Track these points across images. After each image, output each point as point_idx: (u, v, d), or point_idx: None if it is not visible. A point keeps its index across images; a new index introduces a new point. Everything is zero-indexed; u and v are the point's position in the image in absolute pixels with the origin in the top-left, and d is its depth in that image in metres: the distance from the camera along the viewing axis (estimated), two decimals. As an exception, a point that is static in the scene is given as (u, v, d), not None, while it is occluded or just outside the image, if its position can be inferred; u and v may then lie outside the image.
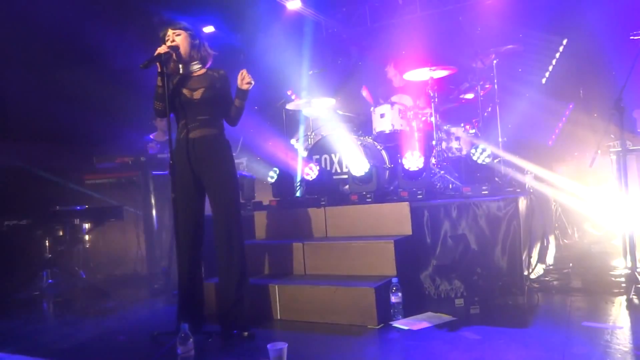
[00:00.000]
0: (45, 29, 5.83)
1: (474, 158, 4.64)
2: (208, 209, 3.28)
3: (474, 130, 5.33)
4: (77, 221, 5.29)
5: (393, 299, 3.33)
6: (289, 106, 5.90)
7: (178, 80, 3.19)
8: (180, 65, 3.21)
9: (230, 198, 3.18)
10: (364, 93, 6.16)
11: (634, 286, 3.35)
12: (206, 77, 3.22)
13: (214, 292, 3.63)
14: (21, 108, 5.91)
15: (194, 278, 3.20)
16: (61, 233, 6.01)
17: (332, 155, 5.17)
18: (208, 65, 3.31)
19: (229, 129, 3.38)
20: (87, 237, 6.22)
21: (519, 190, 4.48)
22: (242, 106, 3.28)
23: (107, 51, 6.31)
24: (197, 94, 3.15)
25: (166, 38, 3.16)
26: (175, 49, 3.11)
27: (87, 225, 5.62)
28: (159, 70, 3.01)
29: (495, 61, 5.27)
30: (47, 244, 5.90)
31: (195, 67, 3.23)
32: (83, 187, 5.86)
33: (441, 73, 5.20)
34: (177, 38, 3.14)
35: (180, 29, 3.16)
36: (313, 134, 5.78)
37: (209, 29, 7.63)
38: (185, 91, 3.15)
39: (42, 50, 6.04)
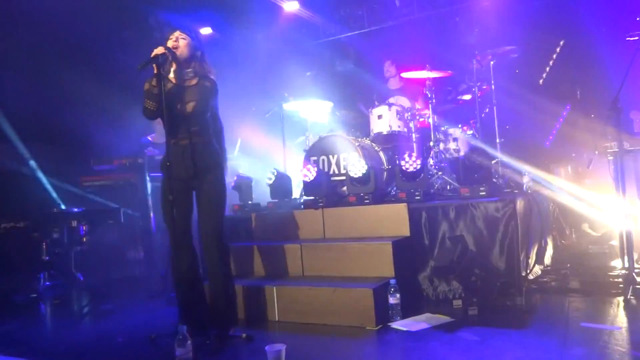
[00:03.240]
0: (43, 29, 5.82)
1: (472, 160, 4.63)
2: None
3: (471, 131, 5.34)
4: (74, 223, 5.29)
5: (391, 300, 3.33)
6: (287, 107, 5.90)
7: (170, 89, 3.14)
8: (173, 71, 3.17)
9: (215, 204, 3.16)
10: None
11: (631, 287, 3.36)
12: (198, 89, 3.17)
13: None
14: (19, 110, 5.89)
15: (191, 279, 3.19)
16: (58, 235, 6.01)
17: (330, 157, 5.17)
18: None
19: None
20: (84, 239, 6.22)
21: (516, 191, 4.49)
22: None
23: (105, 52, 6.31)
24: (190, 107, 3.12)
25: (170, 36, 3.11)
26: (173, 51, 3.09)
27: (84, 228, 5.61)
28: (155, 71, 3.00)
29: (492, 62, 5.28)
30: (44, 246, 5.89)
31: (188, 76, 3.19)
32: (80, 189, 5.85)
33: (438, 74, 5.21)
34: (181, 41, 3.12)
35: (188, 35, 3.15)
36: (311, 135, 5.78)
37: (206, 31, 7.63)
38: (177, 104, 3.12)
39: (40, 51, 6.03)
